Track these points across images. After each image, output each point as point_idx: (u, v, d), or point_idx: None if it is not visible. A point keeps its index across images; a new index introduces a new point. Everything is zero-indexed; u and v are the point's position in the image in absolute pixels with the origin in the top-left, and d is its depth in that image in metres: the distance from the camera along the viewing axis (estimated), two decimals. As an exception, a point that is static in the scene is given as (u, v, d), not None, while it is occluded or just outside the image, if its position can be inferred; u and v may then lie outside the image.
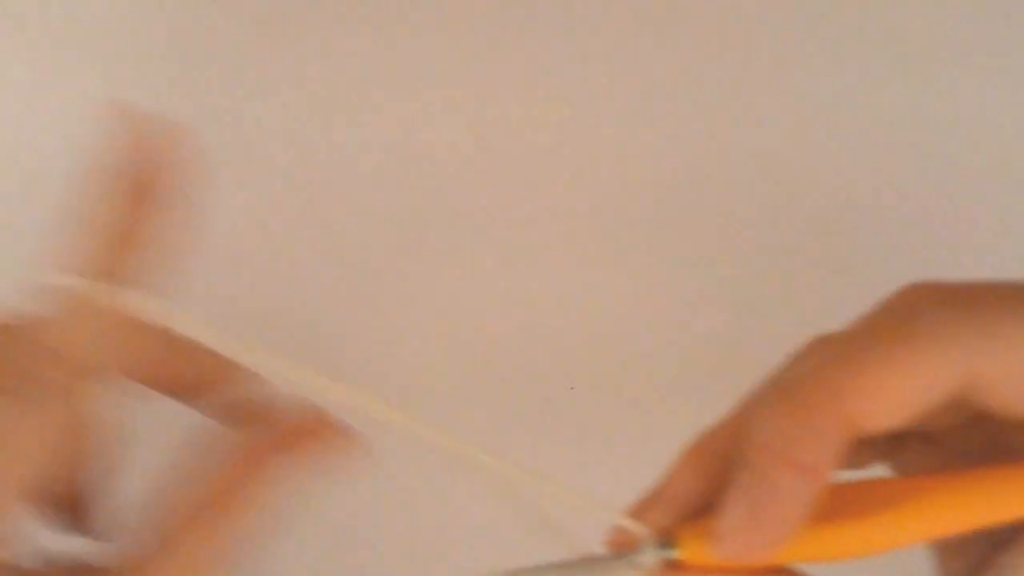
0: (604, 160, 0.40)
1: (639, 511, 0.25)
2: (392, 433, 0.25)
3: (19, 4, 0.41)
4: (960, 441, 0.26)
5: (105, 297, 0.24)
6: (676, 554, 0.24)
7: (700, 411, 0.27)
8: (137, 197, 0.24)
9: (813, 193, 0.40)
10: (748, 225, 0.40)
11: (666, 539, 0.24)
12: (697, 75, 0.40)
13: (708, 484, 0.24)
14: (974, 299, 0.23)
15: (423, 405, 0.39)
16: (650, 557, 0.24)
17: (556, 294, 0.40)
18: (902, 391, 0.22)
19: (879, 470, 0.28)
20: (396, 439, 0.25)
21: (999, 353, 0.22)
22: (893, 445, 0.27)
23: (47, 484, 0.24)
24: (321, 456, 0.27)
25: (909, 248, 0.40)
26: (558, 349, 0.40)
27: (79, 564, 0.27)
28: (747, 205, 0.40)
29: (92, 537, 0.29)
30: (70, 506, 0.28)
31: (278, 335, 0.39)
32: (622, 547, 0.25)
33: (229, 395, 0.28)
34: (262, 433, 0.26)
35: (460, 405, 0.40)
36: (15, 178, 0.40)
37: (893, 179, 0.40)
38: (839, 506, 0.24)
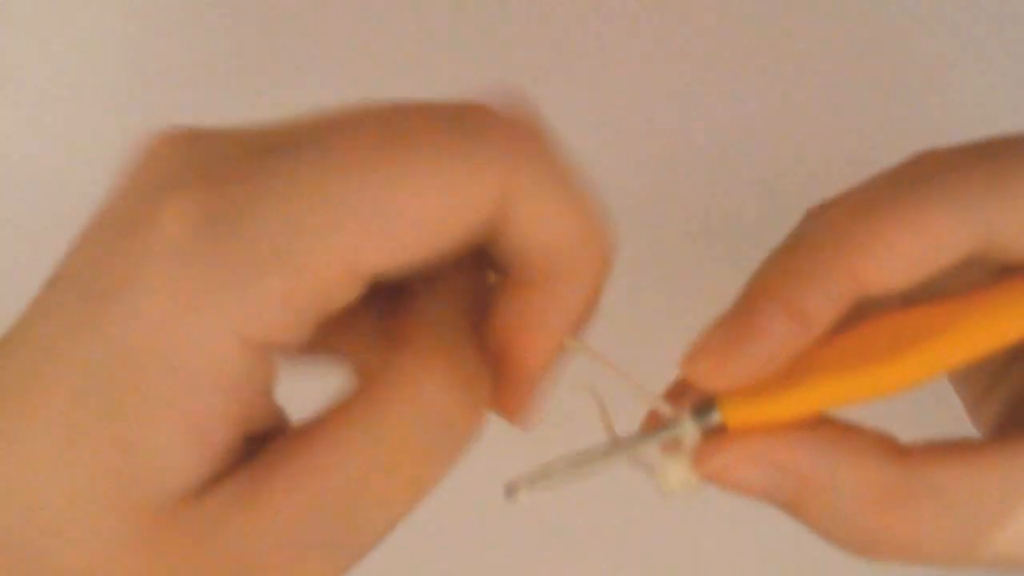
0: None
1: (676, 393, 0.24)
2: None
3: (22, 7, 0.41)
4: None
5: None
6: (718, 418, 0.23)
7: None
8: None
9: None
10: None
11: (705, 406, 0.23)
12: None
13: None
14: (986, 155, 0.22)
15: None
16: (690, 428, 0.23)
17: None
18: (914, 252, 0.21)
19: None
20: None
21: (1016, 209, 0.21)
22: None
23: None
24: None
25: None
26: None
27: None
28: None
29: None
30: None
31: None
32: (657, 424, 0.23)
33: None
34: None
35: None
36: (17, 181, 0.41)
37: None
38: (873, 344, 0.23)
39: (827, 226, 0.22)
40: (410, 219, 0.20)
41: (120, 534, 0.19)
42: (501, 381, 0.23)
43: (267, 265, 0.19)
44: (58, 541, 0.19)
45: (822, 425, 0.23)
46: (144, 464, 0.19)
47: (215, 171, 0.20)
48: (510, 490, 0.23)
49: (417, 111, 0.21)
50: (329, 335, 0.22)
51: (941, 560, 0.23)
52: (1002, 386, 0.26)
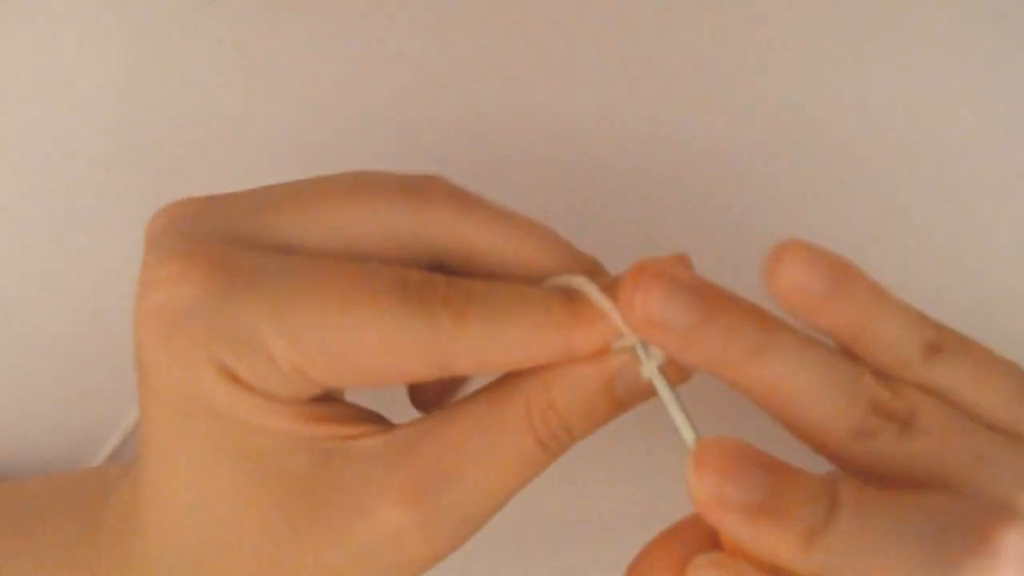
0: None
1: None
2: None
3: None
4: None
5: None
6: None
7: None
8: None
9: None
10: None
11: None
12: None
13: None
14: None
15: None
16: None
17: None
18: None
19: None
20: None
21: None
22: None
23: None
24: None
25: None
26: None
27: None
28: None
29: None
30: None
31: None
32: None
33: None
34: None
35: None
36: (15, 173, 0.41)
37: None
38: None
39: None
40: (349, 361, 0.26)
41: (240, 488, 0.27)
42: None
43: (239, 349, 0.26)
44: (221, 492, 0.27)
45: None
46: (244, 442, 0.27)
47: (218, 252, 0.27)
48: None
49: (379, 274, 0.27)
50: None
51: None
52: None
